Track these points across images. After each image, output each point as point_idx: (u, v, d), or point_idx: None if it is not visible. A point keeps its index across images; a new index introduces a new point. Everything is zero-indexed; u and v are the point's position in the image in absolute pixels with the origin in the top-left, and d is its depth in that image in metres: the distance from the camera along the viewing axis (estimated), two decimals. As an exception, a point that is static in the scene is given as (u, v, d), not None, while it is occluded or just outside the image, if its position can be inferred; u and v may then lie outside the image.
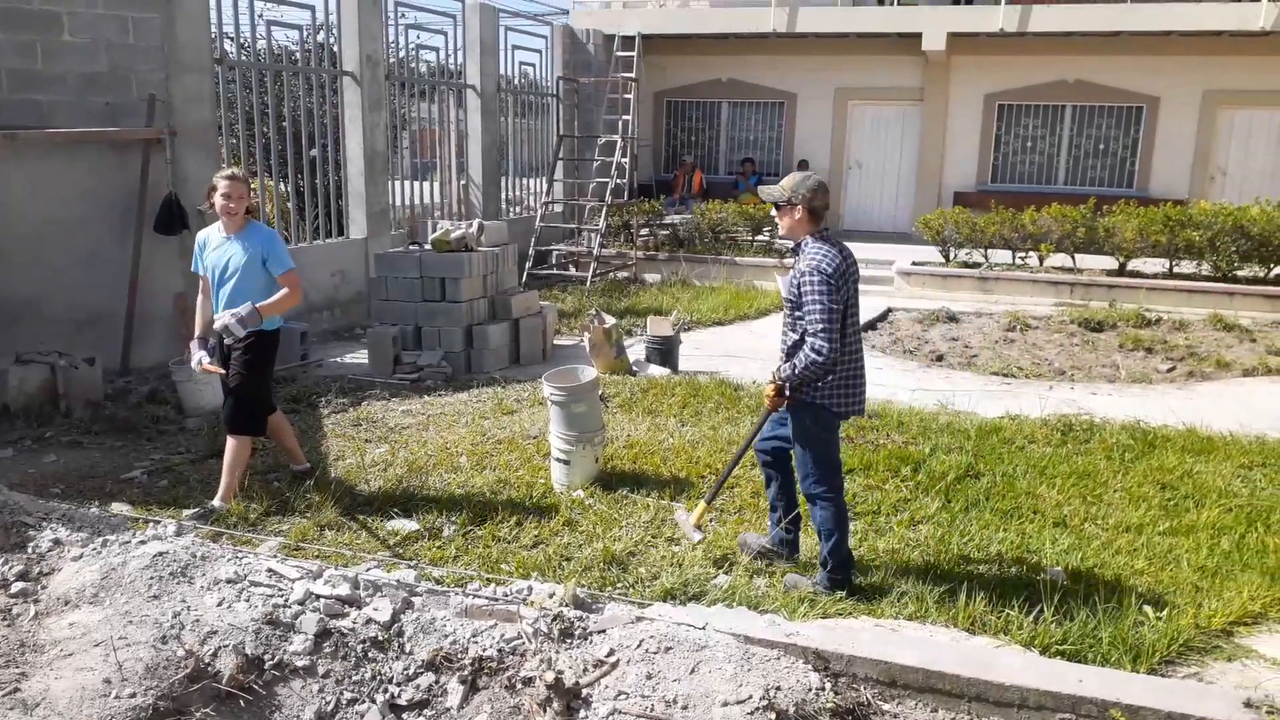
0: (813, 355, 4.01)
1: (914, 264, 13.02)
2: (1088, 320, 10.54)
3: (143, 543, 4.01)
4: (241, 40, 9.79)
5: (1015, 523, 5.17)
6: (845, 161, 16.71)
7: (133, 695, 3.10)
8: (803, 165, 16.40)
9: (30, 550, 4.12)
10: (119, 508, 4.87)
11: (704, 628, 3.34)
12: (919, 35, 14.98)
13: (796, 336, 4.17)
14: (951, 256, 13.17)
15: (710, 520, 5.06)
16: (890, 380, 8.27)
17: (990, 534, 4.99)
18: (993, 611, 4.12)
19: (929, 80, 15.84)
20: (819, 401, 4.21)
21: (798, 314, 4.13)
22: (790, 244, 4.37)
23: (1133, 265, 12.53)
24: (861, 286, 12.49)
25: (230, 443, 5.21)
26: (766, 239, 14.29)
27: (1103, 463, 6.07)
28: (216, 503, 5.15)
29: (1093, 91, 15.30)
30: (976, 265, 12.88)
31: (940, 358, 9.25)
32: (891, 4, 15.91)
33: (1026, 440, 6.49)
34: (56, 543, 4.12)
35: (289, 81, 10.04)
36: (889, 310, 11.48)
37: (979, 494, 5.52)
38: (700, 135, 17.54)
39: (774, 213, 4.32)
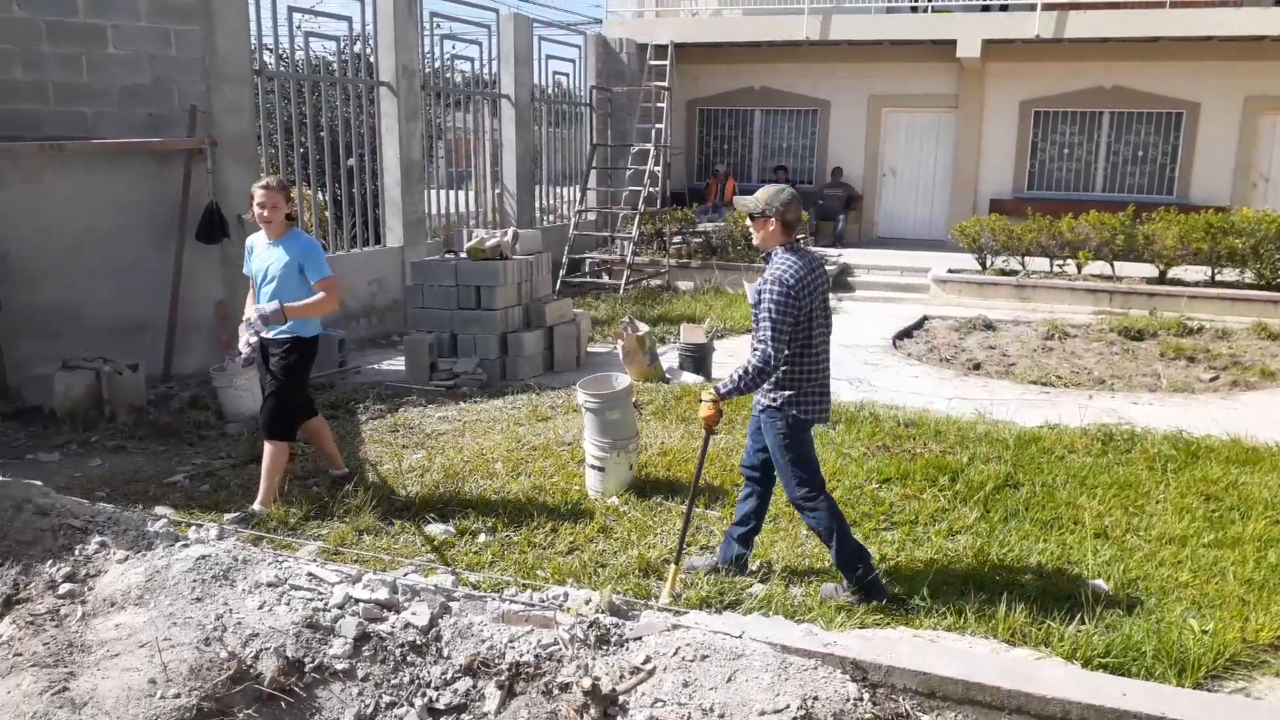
0: (754, 362, 4.10)
1: (950, 271, 12.92)
2: (1128, 329, 10.41)
3: (186, 546, 4.07)
4: (280, 51, 9.92)
5: (1055, 533, 5.10)
6: (879, 169, 16.63)
7: (177, 695, 3.14)
8: (836, 173, 16.35)
9: (77, 552, 4.19)
10: (162, 511, 4.94)
11: (740, 636, 3.33)
12: (953, 42, 14.88)
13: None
14: (988, 264, 13.06)
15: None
16: (927, 389, 8.21)
17: (1030, 544, 4.93)
18: (1033, 623, 4.07)
19: (964, 87, 15.73)
20: (791, 411, 4.24)
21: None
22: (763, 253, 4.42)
23: (1173, 273, 12.35)
24: (897, 294, 12.49)
25: (268, 448, 5.27)
26: (800, 247, 14.23)
27: (1145, 473, 5.98)
28: (256, 507, 5.21)
29: (1131, 98, 15.12)
30: (1013, 273, 12.76)
31: (977, 366, 9.17)
32: (925, 11, 15.83)
33: (1066, 450, 6.42)
34: (102, 545, 4.19)
35: (326, 92, 10.17)
36: (925, 318, 11.40)
37: (1018, 504, 5.46)
38: (733, 143, 17.53)
39: (749, 223, 4.37)
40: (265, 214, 5.18)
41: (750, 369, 4.11)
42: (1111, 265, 12.44)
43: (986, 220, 13.11)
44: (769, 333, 4.08)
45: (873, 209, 16.67)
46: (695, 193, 16.97)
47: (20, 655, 3.49)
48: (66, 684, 3.17)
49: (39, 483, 4.78)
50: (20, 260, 7.27)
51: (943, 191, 16.34)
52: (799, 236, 4.33)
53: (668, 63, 15.22)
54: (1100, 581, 4.50)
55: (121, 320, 7.64)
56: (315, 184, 10.48)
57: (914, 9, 15.98)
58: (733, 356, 9.33)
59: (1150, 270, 12.43)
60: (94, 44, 7.55)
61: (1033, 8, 14.38)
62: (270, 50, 9.50)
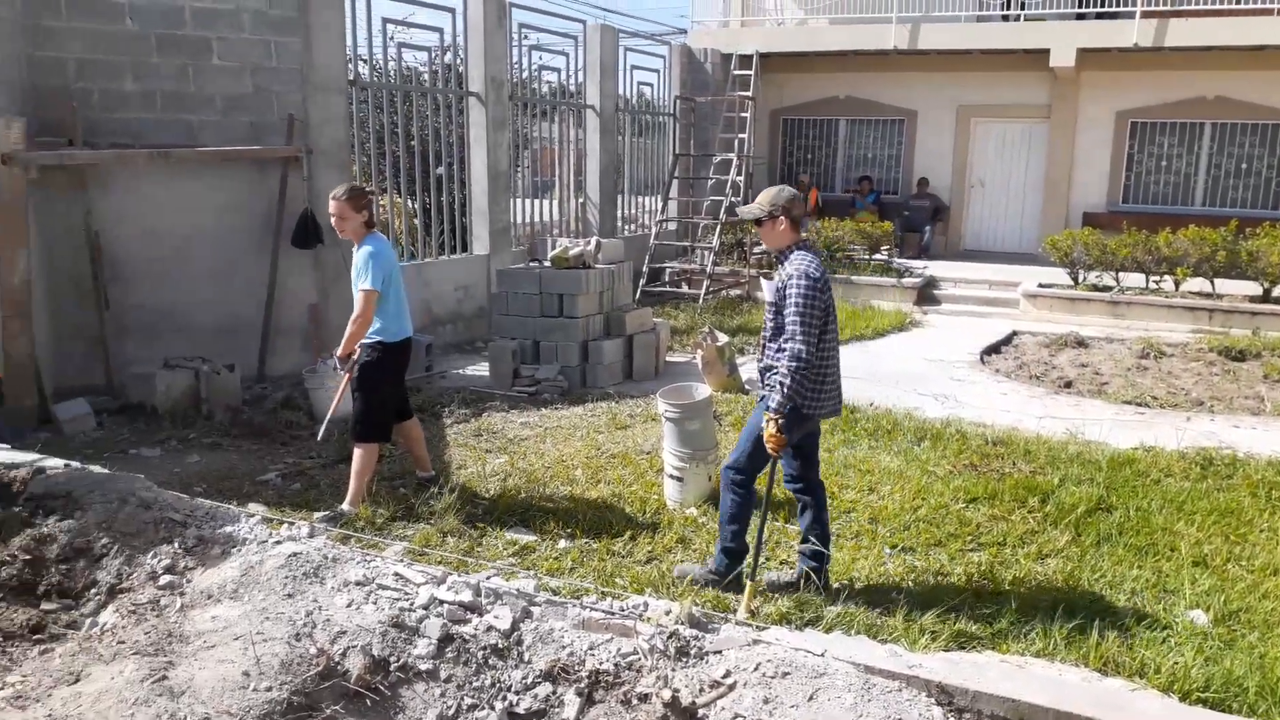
0: (792, 362, 4.14)
1: (1040, 286, 12.59)
2: (1228, 349, 9.99)
3: (278, 543, 4.19)
4: (373, 62, 10.18)
5: (1151, 560, 4.92)
6: (967, 180, 16.31)
7: (269, 689, 3.23)
8: (922, 184, 16.09)
9: (176, 545, 4.35)
10: (255, 508, 5.09)
11: (823, 654, 3.29)
12: (1047, 51, 14.52)
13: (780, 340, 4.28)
14: (1080, 279, 12.68)
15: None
16: (1015, 406, 8.01)
17: (1124, 571, 4.77)
18: (1127, 652, 3.93)
19: (1057, 97, 15.33)
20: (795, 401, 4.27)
21: (780, 317, 4.27)
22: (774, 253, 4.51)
23: (1278, 292, 11.82)
24: (985, 308, 12.26)
25: (356, 450, 5.40)
26: (884, 258, 14.06)
27: (1247, 500, 5.73)
28: (345, 507, 5.34)
29: (1234, 108, 14.54)
30: (1107, 289, 12.37)
31: (1068, 384, 8.91)
32: (1018, 19, 15.48)
33: (1163, 474, 6.19)
34: (201, 540, 4.34)
35: (417, 102, 10.41)
36: (1014, 333, 11.13)
37: (1111, 528, 5.28)
38: (816, 153, 17.39)
39: (756, 230, 4.45)
40: (334, 222, 5.34)
41: (789, 370, 4.15)
42: (1211, 282, 11.96)
43: (1079, 234, 12.74)
44: (799, 328, 4.13)
45: (960, 221, 16.35)
46: (777, 203, 16.85)
47: (123, 643, 3.64)
48: (166, 673, 3.28)
49: (142, 477, 4.98)
50: (127, 263, 7.60)
51: (1033, 204, 15.94)
52: (807, 236, 4.45)
53: (752, 73, 15.18)
54: (1199, 613, 4.33)
55: (219, 322, 7.92)
56: (405, 192, 10.73)
57: (1005, 17, 15.65)
58: (814, 369, 9.24)
59: (1253, 288, 11.92)
60: (200, 55, 7.86)
61: (1131, 15, 13.95)
62: (364, 61, 9.74)
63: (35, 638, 4.12)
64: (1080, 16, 15.21)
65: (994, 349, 10.47)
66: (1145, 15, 13.82)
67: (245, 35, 8.00)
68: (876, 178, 16.75)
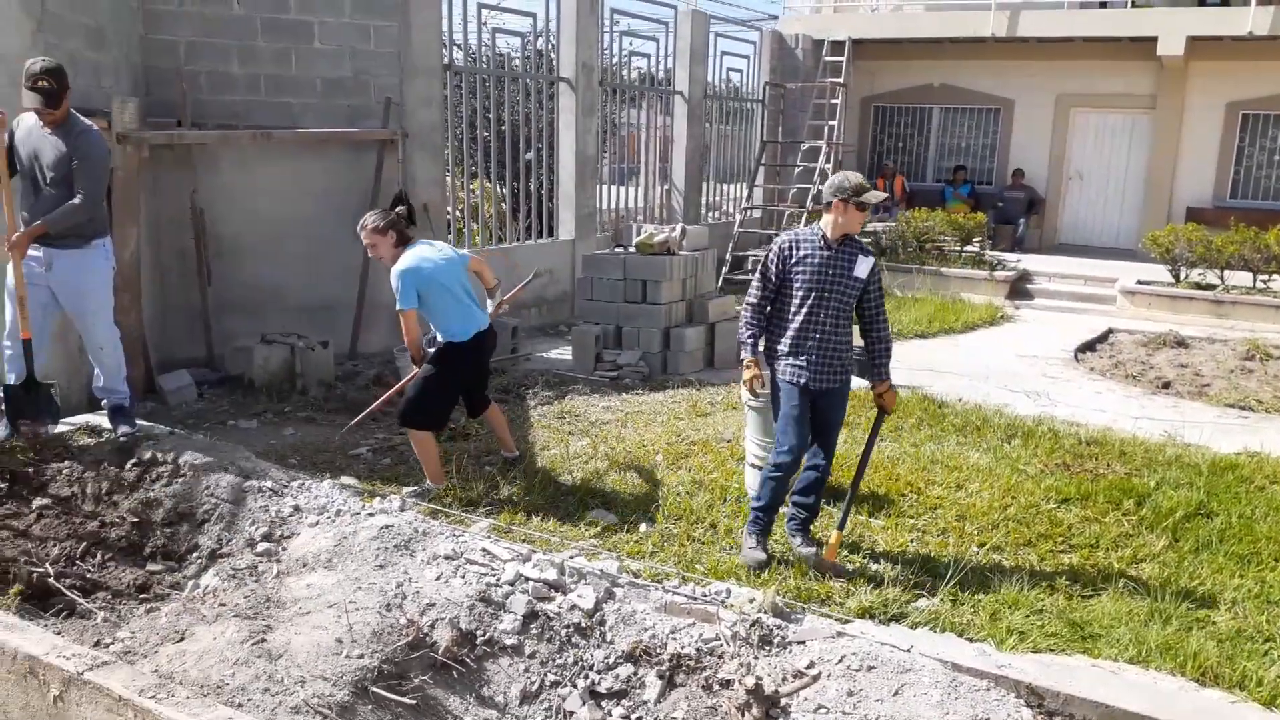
0: (888, 333, 4.67)
1: (1139, 283, 12.15)
2: (1342, 352, 9.51)
3: (371, 515, 4.31)
4: (468, 47, 10.32)
5: (1254, 569, 4.73)
6: (1065, 171, 15.81)
7: (361, 656, 3.34)
8: (1017, 175, 15.67)
9: (274, 514, 4.51)
10: (348, 481, 5.24)
11: (909, 650, 3.25)
12: (1154, 39, 13.95)
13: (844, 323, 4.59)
14: (1182, 276, 12.20)
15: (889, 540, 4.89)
16: (1111, 406, 7.76)
17: (1224, 579, 4.59)
18: (1227, 663, 3.79)
19: (1163, 87, 14.74)
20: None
21: (867, 299, 4.59)
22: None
23: (1399, 294, 11.20)
24: (1080, 304, 11.92)
25: (409, 434, 5.49)
26: (976, 249, 13.72)
27: (1361, 511, 5.46)
28: (428, 484, 5.45)
29: (1358, 99, 13.79)
30: (1210, 287, 11.87)
31: (1167, 385, 8.59)
32: (1124, 5, 14.91)
33: (1268, 480, 5.93)
34: (296, 509, 4.49)
35: (509, 87, 10.52)
36: (1110, 331, 10.77)
37: (1211, 535, 5.09)
38: (908, 141, 17.05)
39: (836, 216, 4.51)
40: (369, 252, 5.50)
41: (889, 340, 4.68)
42: (1326, 283, 11.40)
43: (1182, 229, 12.24)
44: (884, 305, 4.65)
45: (1056, 214, 15.87)
46: (865, 192, 16.61)
47: (224, 605, 3.79)
48: (265, 636, 3.41)
49: (242, 447, 5.17)
50: (230, 240, 7.86)
51: (1134, 197, 15.38)
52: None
53: (844, 59, 14.95)
54: (1306, 625, 4.14)
55: (314, 299, 8.15)
56: (495, 177, 10.86)
57: (1103, 4, 15.09)
58: (900, 362, 9.04)
59: (1372, 290, 11.32)
60: (302, 39, 8.06)
61: (1246, 2, 13.31)
62: (459, 46, 9.87)
63: (141, 596, 4.32)
64: (1201, 2, 14.56)
65: (1089, 346, 10.15)
66: (1261, 2, 13.18)
67: (345, 20, 8.18)
68: (970, 168, 16.36)
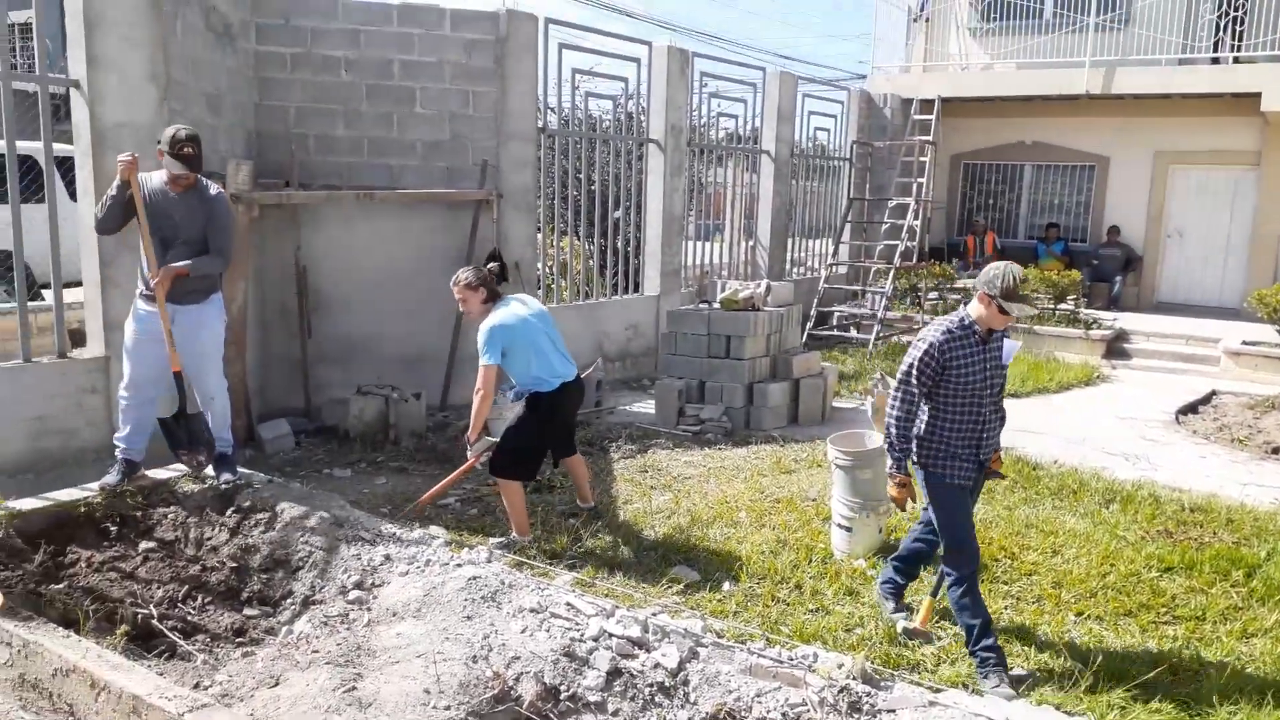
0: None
1: (1244, 343, 11.68)
2: None
3: (459, 565, 4.38)
4: (561, 110, 10.62)
5: (1379, 650, 4.45)
6: (1163, 229, 15.37)
7: (448, 708, 3.38)
8: (1112, 232, 15.30)
9: (365, 563, 4.62)
10: (437, 531, 5.34)
11: (1003, 721, 3.15)
12: (1258, 95, 13.55)
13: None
14: (1291, 337, 11.68)
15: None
16: (1215, 471, 7.44)
17: (1346, 660, 4.33)
18: (1351, 751, 3.57)
19: (1269, 143, 14.26)
20: None
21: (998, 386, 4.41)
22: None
23: None
24: (1181, 365, 11.56)
25: (500, 483, 5.59)
26: (1070, 307, 13.40)
27: None
28: (514, 535, 5.52)
29: None
30: (1323, 349, 11.34)
31: (1277, 450, 8.19)
32: (1227, 62, 14.55)
33: (1392, 554, 5.59)
34: (386, 558, 4.59)
35: (600, 148, 10.77)
36: (1213, 393, 10.35)
37: (1329, 611, 4.82)
38: (999, 198, 16.82)
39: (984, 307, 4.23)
40: (460, 306, 5.68)
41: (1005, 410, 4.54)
42: None
43: (1292, 288, 11.76)
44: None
45: (1154, 272, 15.41)
46: (954, 248, 16.41)
47: (317, 652, 3.88)
48: (355, 684, 3.48)
49: (337, 495, 5.32)
50: (329, 295, 8.18)
51: (1238, 256, 14.84)
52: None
53: (933, 117, 14.89)
54: None
55: (408, 352, 8.39)
56: (585, 235, 11.09)
57: (1215, 60, 14.73)
58: (991, 422, 8.89)
59: None
60: (404, 104, 8.42)
61: (1358, 55, 12.88)
62: (552, 110, 10.17)
63: (238, 640, 4.45)
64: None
65: (1191, 408, 9.77)
66: (1374, 54, 12.73)
67: (445, 85, 8.52)
68: (1064, 225, 16.03)
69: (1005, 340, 4.38)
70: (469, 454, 5.72)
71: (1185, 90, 14.22)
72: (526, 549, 5.35)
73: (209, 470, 5.48)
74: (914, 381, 4.22)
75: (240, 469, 5.59)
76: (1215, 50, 14.68)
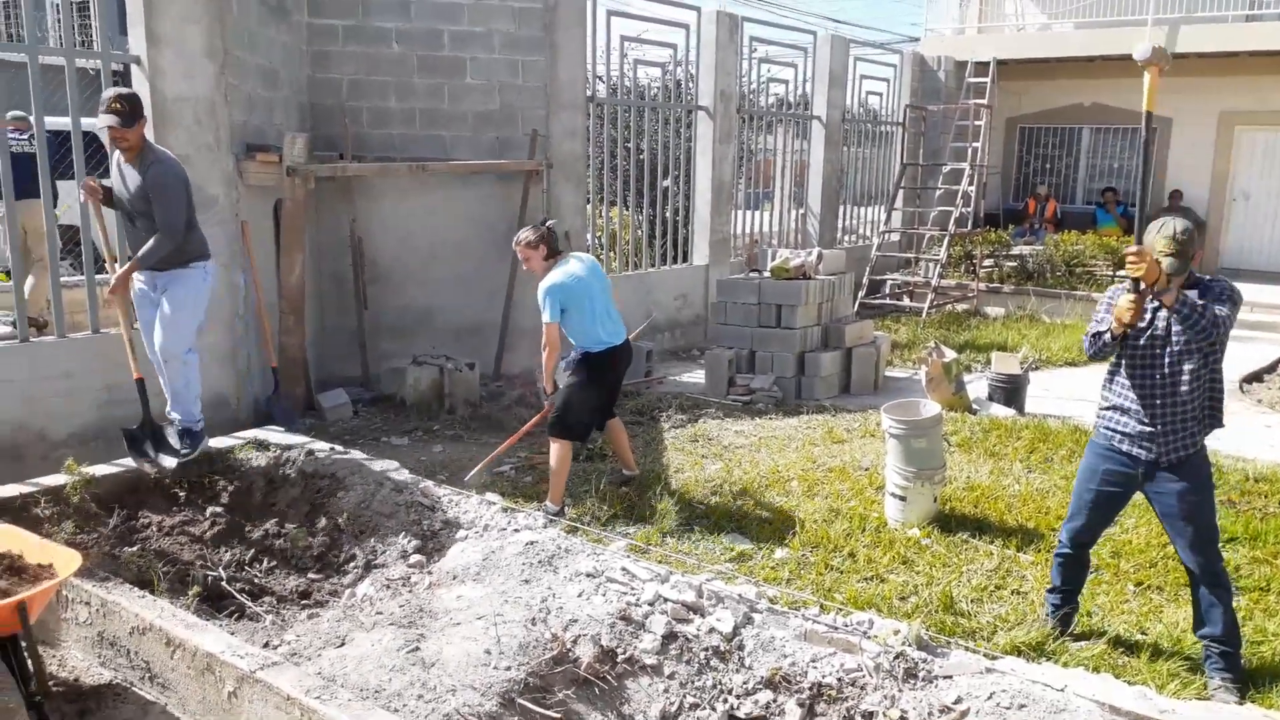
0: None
1: (1313, 310, 11.35)
2: None
3: (516, 531, 4.45)
4: (609, 79, 10.59)
5: None
6: (1228, 192, 14.93)
7: (508, 668, 3.45)
8: (1175, 196, 14.89)
9: (425, 528, 4.72)
10: (493, 498, 5.42)
11: (1063, 689, 3.13)
12: (1330, 50, 13.08)
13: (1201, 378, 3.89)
14: (1363, 303, 11.32)
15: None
16: (1281, 441, 7.28)
17: None
18: None
19: (1341, 101, 13.78)
20: None
21: (1209, 350, 3.87)
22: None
23: None
24: (1246, 332, 11.30)
25: (552, 446, 5.64)
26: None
27: None
28: (548, 504, 5.56)
29: None
30: (1397, 315, 10.98)
31: (1346, 420, 7.99)
32: (1295, 16, 14.02)
33: None
34: (446, 524, 4.69)
35: (648, 116, 10.71)
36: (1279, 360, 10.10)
37: (1401, 583, 4.71)
38: (1056, 162, 16.45)
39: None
40: (523, 264, 5.78)
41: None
42: None
43: (1365, 253, 11.38)
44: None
45: (1219, 236, 14.99)
46: (1010, 214, 16.10)
47: (381, 614, 3.98)
48: (418, 645, 3.57)
49: (395, 463, 5.42)
50: (385, 267, 8.28)
51: (1308, 219, 14.39)
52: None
53: (989, 80, 14.58)
54: None
55: (462, 322, 8.48)
56: (634, 204, 11.07)
57: (1281, 15, 14.21)
58: (1048, 391, 8.76)
59: None
60: (455, 75, 8.45)
61: None
62: (601, 79, 10.14)
63: (303, 602, 4.58)
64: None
65: (1256, 376, 9.54)
66: None
67: (495, 55, 8.53)
68: (1123, 189, 15.65)
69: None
70: (544, 403, 5.92)
71: (1253, 48, 13.74)
72: (555, 519, 5.40)
73: (273, 437, 5.61)
74: None
75: (300, 436, 5.71)
76: (1286, 5, 14.16)
